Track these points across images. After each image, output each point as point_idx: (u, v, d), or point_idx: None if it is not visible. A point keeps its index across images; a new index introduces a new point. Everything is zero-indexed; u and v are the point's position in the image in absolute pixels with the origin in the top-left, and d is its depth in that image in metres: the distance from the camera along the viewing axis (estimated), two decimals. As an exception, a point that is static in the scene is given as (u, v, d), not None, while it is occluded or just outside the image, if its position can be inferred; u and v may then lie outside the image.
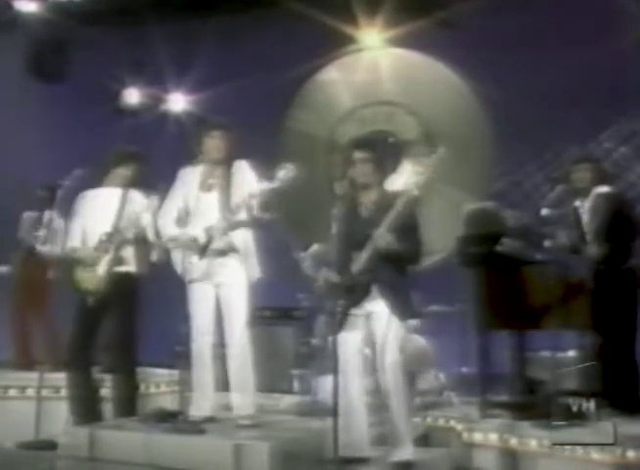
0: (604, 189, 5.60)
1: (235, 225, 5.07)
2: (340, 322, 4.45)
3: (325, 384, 5.70)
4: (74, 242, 5.57)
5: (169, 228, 5.22)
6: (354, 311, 4.49)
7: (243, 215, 5.06)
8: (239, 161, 5.22)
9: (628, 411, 5.14)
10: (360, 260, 4.42)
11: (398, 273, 4.52)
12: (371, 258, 4.40)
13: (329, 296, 4.49)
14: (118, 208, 5.53)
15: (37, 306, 6.82)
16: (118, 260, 5.47)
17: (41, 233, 6.66)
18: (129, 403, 5.54)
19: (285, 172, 4.87)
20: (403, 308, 4.51)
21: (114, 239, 5.45)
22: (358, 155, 4.58)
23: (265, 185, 4.93)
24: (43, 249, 6.67)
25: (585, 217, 5.59)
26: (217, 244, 5.09)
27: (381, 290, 4.47)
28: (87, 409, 5.47)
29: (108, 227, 5.48)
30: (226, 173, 5.18)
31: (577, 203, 5.66)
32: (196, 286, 5.16)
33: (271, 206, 5.03)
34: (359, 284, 4.45)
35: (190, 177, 5.27)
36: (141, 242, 5.52)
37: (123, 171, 5.60)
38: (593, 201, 5.58)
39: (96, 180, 5.66)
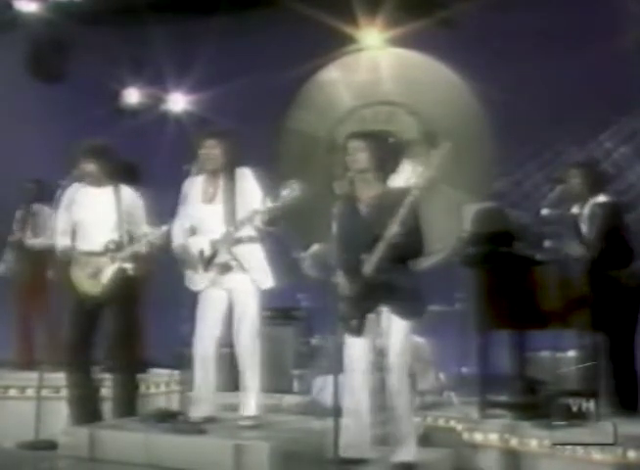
0: (600, 198, 5.59)
1: (239, 240, 5.08)
2: (357, 328, 4.46)
3: (325, 384, 5.71)
4: (65, 240, 5.55)
5: (177, 238, 5.22)
6: (369, 315, 4.47)
7: (248, 231, 5.07)
8: (241, 168, 5.19)
9: (629, 409, 5.16)
10: (372, 262, 4.39)
11: (403, 271, 4.51)
12: (382, 259, 4.37)
13: (344, 302, 4.48)
14: (116, 208, 5.50)
15: (39, 305, 6.82)
16: (124, 269, 5.46)
17: (30, 227, 6.70)
18: (129, 403, 5.54)
19: (289, 191, 4.85)
20: (409, 308, 4.50)
21: (122, 249, 5.43)
22: (353, 143, 4.60)
23: (270, 203, 4.90)
24: (34, 242, 6.70)
25: (584, 227, 5.59)
26: (222, 257, 5.10)
27: (390, 290, 4.46)
28: (86, 409, 5.47)
29: (109, 230, 5.45)
30: (228, 183, 5.15)
31: (575, 209, 5.67)
32: (205, 292, 5.16)
33: (276, 221, 5.03)
34: (372, 287, 4.42)
35: (192, 188, 5.24)
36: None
37: (89, 166, 5.49)
38: (590, 210, 5.57)
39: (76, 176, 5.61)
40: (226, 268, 5.11)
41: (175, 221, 5.25)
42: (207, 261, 5.11)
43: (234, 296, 5.14)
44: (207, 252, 5.11)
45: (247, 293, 5.11)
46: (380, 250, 4.36)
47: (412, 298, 4.53)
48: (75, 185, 5.58)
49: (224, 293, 5.15)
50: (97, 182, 5.53)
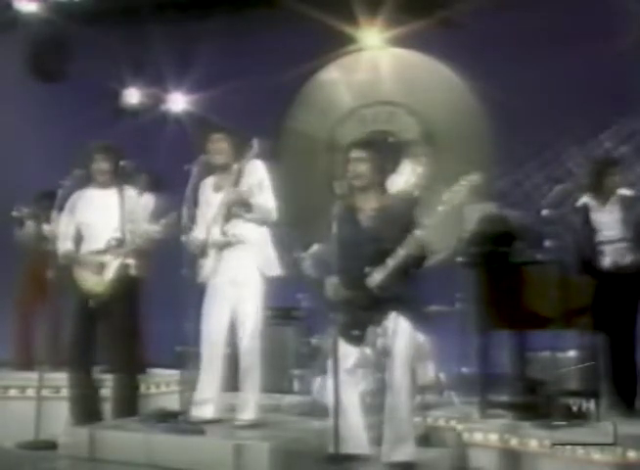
0: (627, 191, 5.62)
1: (227, 217, 5.07)
2: (358, 339, 4.43)
3: (325, 384, 5.70)
4: (67, 244, 5.56)
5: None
6: (371, 327, 4.45)
7: (234, 210, 5.06)
8: (253, 161, 5.17)
9: (628, 406, 5.17)
10: (379, 278, 4.36)
11: (406, 282, 4.48)
12: (390, 276, 4.35)
13: (345, 312, 4.45)
14: (119, 208, 5.51)
15: (40, 305, 6.81)
16: (127, 265, 5.47)
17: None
18: (130, 403, 5.54)
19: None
20: (412, 315, 4.48)
21: (124, 244, 5.44)
22: (355, 154, 4.56)
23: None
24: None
25: (614, 216, 5.58)
26: (215, 238, 5.08)
27: (393, 302, 4.43)
28: (87, 409, 5.47)
29: (112, 230, 5.47)
30: (237, 174, 5.14)
31: (587, 200, 5.66)
32: (211, 286, 5.15)
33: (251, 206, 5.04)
34: (376, 299, 4.38)
35: (207, 184, 5.26)
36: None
37: (102, 164, 5.53)
38: (620, 203, 5.58)
39: (85, 179, 5.64)
40: (222, 247, 5.10)
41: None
42: (202, 246, 5.12)
43: (237, 290, 5.09)
44: (202, 234, 5.13)
45: (250, 287, 5.08)
46: (389, 267, 4.33)
47: (414, 306, 4.52)
48: (78, 191, 5.60)
49: (228, 288, 5.11)
50: (105, 182, 5.55)
